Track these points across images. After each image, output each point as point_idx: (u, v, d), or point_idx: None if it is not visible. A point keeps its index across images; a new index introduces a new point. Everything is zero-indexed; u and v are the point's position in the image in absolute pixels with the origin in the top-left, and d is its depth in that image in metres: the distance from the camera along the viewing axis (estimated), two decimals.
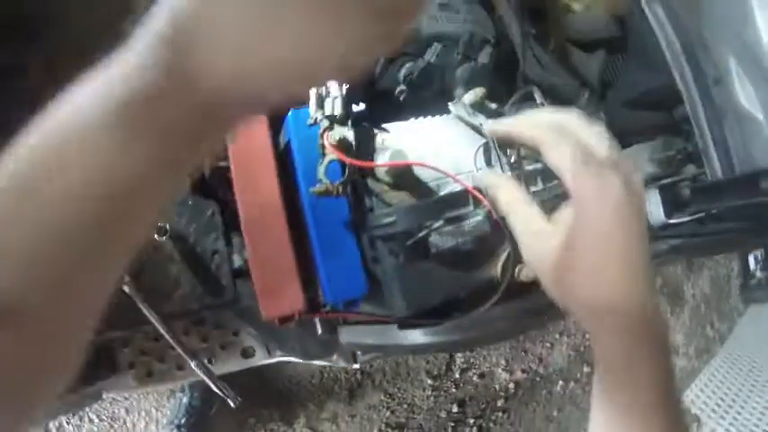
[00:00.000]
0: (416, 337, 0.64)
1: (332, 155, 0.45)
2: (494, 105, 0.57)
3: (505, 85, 0.81)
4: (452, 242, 0.49)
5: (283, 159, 0.54)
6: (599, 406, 0.32)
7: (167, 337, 0.68)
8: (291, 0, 0.16)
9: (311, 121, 0.48)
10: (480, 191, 0.51)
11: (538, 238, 0.31)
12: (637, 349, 0.28)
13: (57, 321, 0.19)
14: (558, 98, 0.74)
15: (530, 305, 0.63)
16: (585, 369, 1.28)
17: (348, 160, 0.45)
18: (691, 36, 0.72)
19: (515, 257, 0.54)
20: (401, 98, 0.70)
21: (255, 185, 0.51)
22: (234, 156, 0.51)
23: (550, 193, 0.59)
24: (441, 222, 0.48)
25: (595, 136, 0.29)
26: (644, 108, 0.80)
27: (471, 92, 0.55)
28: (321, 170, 0.46)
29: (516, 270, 0.54)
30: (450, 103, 0.56)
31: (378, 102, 0.68)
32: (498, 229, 0.52)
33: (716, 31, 0.69)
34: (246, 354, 0.85)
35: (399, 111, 0.68)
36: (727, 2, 0.66)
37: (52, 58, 0.74)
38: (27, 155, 0.17)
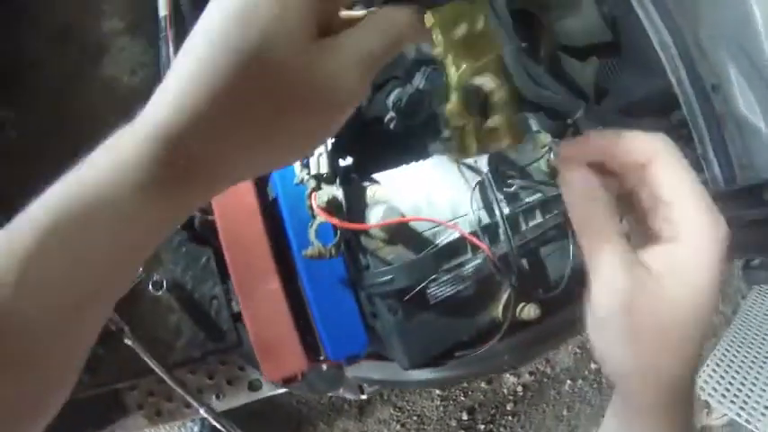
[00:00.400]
0: (422, 374, 0.63)
1: (321, 218, 0.44)
2: None
3: None
4: (452, 290, 0.49)
5: (272, 212, 0.52)
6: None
7: (174, 386, 0.68)
8: (276, 127, 0.21)
9: (297, 181, 0.46)
10: (477, 233, 0.49)
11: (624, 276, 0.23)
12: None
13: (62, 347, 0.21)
14: (554, 114, 0.72)
15: (533, 336, 0.62)
16: (593, 366, 1.28)
17: (339, 224, 0.43)
18: (686, 38, 0.70)
19: (516, 297, 0.53)
20: (391, 125, 0.68)
21: (245, 247, 0.49)
22: (220, 218, 0.50)
23: (549, 224, 0.58)
24: (438, 273, 0.47)
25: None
26: (640, 114, 0.78)
27: None
28: (312, 233, 0.45)
29: (518, 310, 0.53)
30: (442, 136, 0.54)
31: (367, 131, 0.66)
32: (498, 271, 0.51)
33: (713, 35, 0.66)
34: (253, 387, 0.85)
35: (390, 139, 0.66)
36: (724, 4, 0.63)
37: (27, 107, 0.72)
38: (60, 220, 0.20)
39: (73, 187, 0.20)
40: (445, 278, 0.48)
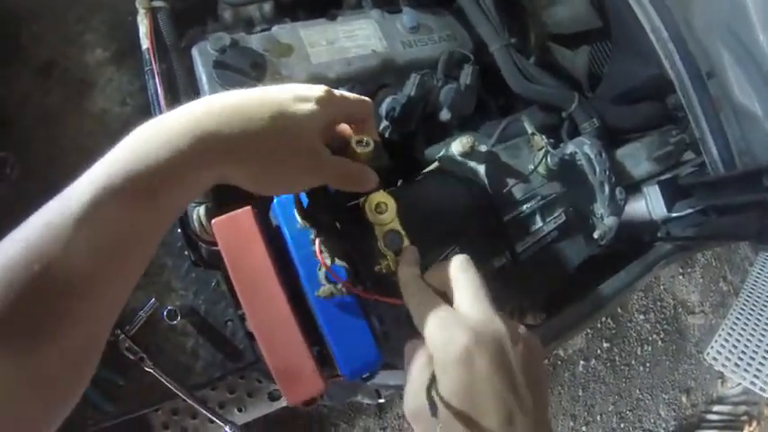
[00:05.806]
0: None
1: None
2: (483, 148, 0.55)
3: (494, 98, 0.78)
4: None
5: (275, 239, 0.53)
6: None
7: (196, 406, 0.71)
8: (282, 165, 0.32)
9: (300, 226, 0.46)
10: None
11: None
12: None
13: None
14: (548, 108, 0.71)
15: (541, 336, 0.63)
16: (605, 345, 1.29)
17: (345, 285, 0.43)
18: (679, 24, 0.68)
19: (521, 303, 0.54)
20: (386, 134, 0.68)
21: (252, 276, 0.50)
22: (225, 251, 0.50)
23: (550, 228, 0.58)
24: None
25: (474, 290, 0.32)
26: (636, 101, 0.77)
27: (458, 142, 0.53)
28: (321, 275, 0.45)
29: (523, 316, 0.54)
30: (437, 156, 0.54)
31: None
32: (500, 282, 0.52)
33: (706, 23, 0.64)
34: (273, 397, 0.87)
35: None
36: None
37: (24, 146, 0.72)
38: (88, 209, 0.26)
39: (124, 172, 0.26)
40: None
